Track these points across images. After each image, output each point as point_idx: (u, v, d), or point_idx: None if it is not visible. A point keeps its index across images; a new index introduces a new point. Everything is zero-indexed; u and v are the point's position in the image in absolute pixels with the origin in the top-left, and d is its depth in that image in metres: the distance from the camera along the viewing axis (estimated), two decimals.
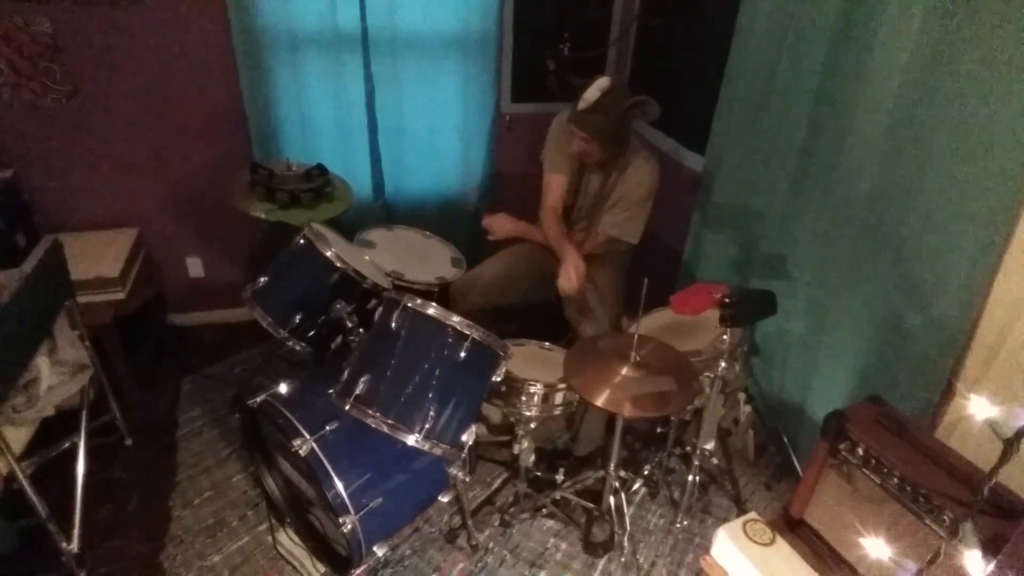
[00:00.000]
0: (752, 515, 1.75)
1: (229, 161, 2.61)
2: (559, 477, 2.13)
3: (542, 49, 2.84)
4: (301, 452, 1.58)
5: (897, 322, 1.82)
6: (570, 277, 2.03)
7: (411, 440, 1.55)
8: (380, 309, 1.67)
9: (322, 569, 1.86)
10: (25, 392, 1.77)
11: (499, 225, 2.30)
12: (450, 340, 1.58)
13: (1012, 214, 1.51)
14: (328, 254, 1.85)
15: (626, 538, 2.03)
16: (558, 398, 1.88)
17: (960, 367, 1.72)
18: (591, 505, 2.10)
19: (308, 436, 1.61)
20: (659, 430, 2.42)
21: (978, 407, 1.23)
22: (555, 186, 2.27)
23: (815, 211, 2.04)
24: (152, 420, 2.42)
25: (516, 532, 2.09)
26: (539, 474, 2.16)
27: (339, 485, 1.59)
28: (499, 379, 1.71)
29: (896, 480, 1.55)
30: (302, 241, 1.92)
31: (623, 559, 2.01)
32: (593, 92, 1.93)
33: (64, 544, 1.73)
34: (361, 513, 1.60)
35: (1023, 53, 1.42)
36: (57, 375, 1.87)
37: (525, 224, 2.33)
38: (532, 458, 2.01)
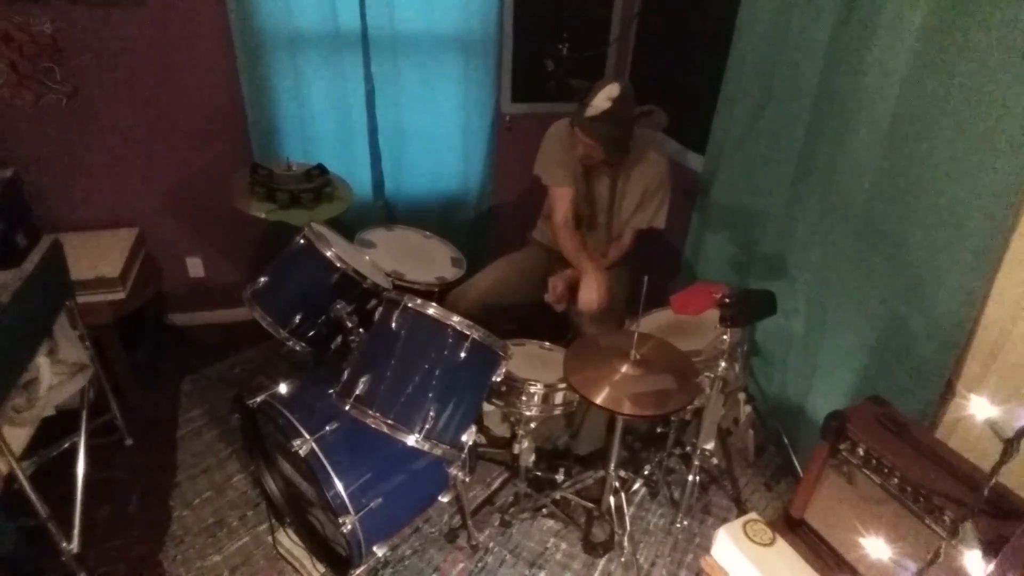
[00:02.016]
0: (752, 515, 1.75)
1: (229, 161, 2.61)
2: (559, 477, 2.13)
3: (542, 49, 2.83)
4: (301, 452, 1.58)
5: (897, 322, 1.81)
6: (591, 297, 2.03)
7: (411, 440, 1.55)
8: (380, 309, 1.67)
9: (322, 569, 1.86)
10: (25, 392, 1.77)
11: (560, 293, 2.17)
12: (450, 340, 1.58)
13: (1012, 214, 1.51)
14: (328, 254, 1.85)
15: (626, 538, 2.03)
16: (558, 398, 1.88)
17: (960, 367, 1.72)
18: (591, 505, 2.10)
19: (308, 436, 1.61)
20: (659, 430, 2.42)
21: (978, 407, 1.23)
22: (566, 199, 2.19)
23: (815, 211, 2.04)
24: (152, 420, 2.42)
25: (516, 532, 2.09)
26: (539, 474, 2.16)
27: (339, 485, 1.59)
28: (499, 379, 1.71)
29: (896, 480, 1.55)
30: (302, 241, 1.92)
31: (623, 559, 2.01)
32: (603, 101, 1.90)
33: (64, 544, 1.73)
34: (361, 513, 1.60)
35: (1022, 51, 1.42)
36: (57, 375, 1.88)
37: (571, 261, 2.21)
38: (532, 458, 2.01)
